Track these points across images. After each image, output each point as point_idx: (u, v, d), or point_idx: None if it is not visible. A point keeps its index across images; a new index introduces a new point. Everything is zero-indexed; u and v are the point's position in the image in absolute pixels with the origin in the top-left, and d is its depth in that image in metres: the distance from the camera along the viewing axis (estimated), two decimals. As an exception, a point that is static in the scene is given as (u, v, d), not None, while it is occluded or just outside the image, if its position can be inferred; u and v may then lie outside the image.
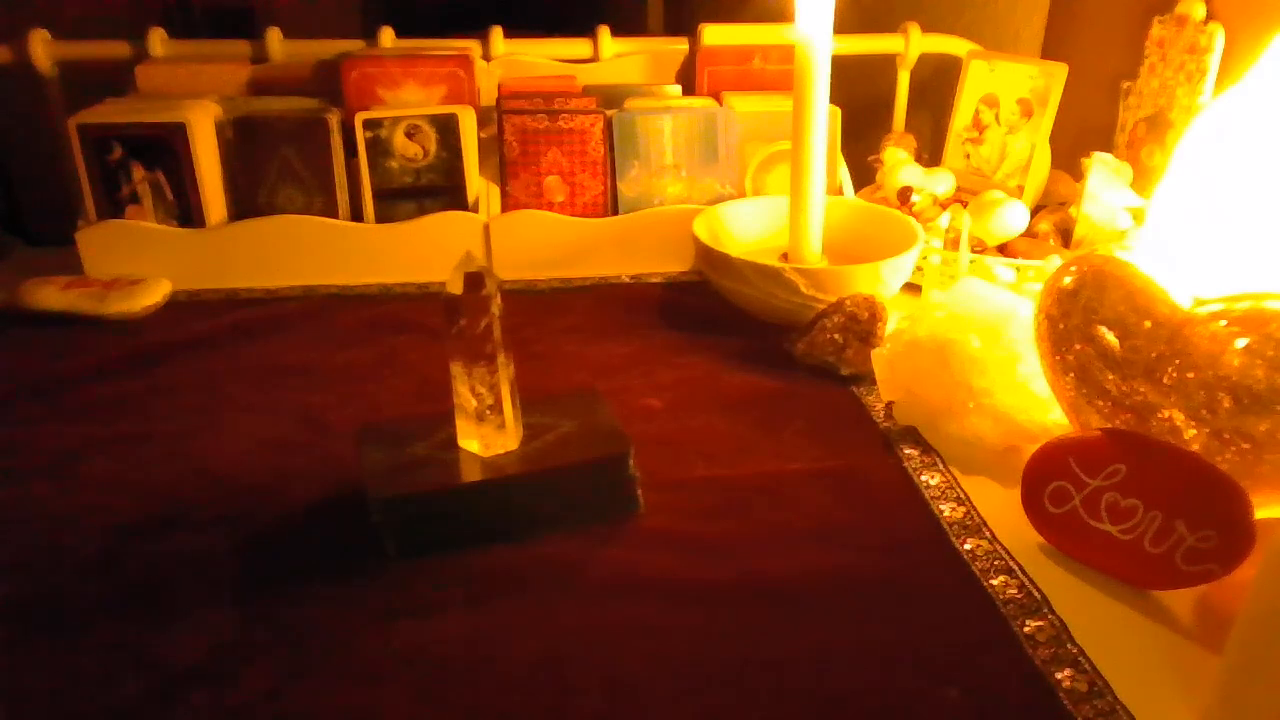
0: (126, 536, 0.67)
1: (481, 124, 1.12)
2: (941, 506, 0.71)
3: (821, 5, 0.89)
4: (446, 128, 1.07)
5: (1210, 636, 0.59)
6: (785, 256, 1.00)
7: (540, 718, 0.54)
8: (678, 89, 1.21)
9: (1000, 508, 0.70)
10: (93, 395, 0.85)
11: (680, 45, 1.25)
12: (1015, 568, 0.65)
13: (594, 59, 1.24)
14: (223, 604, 0.61)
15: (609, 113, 1.09)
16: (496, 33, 1.21)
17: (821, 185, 0.97)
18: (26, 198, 1.39)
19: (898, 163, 1.17)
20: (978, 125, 1.20)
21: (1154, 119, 1.09)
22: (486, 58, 1.21)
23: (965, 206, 1.07)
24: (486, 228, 1.09)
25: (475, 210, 1.10)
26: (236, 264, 1.07)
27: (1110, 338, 0.68)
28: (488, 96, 1.18)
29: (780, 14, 1.09)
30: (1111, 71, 1.17)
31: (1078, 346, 0.70)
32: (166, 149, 1.04)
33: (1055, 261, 0.93)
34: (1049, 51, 1.30)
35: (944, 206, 1.12)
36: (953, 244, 0.99)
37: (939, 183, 1.15)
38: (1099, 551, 0.63)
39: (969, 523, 0.69)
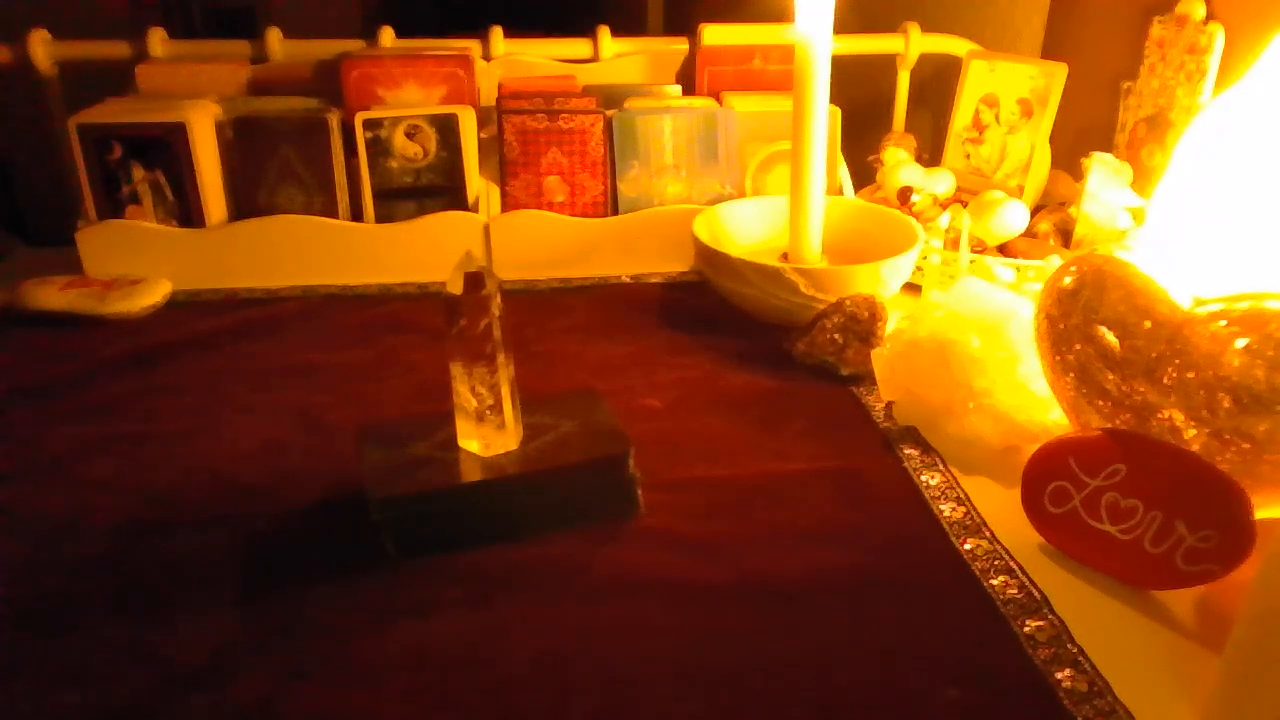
0: (126, 536, 0.67)
1: (481, 124, 1.12)
2: (941, 506, 0.71)
3: (821, 5, 0.89)
4: (446, 128, 1.07)
5: (1210, 636, 0.59)
6: (785, 256, 1.00)
7: (540, 718, 0.54)
8: (678, 89, 1.21)
9: (1000, 508, 0.70)
10: (93, 395, 0.85)
11: (680, 45, 1.25)
12: (1015, 568, 0.65)
13: (594, 59, 1.24)
14: (223, 604, 0.61)
15: (609, 113, 1.09)
16: (496, 33, 1.21)
17: (821, 185, 0.97)
18: (26, 198, 1.39)
19: (898, 163, 1.17)
20: (978, 125, 1.20)
21: (1154, 119, 1.09)
22: (486, 58, 1.21)
23: (965, 206, 1.07)
24: (486, 228, 1.09)
25: (475, 210, 1.10)
26: (236, 264, 1.07)
27: (1110, 338, 0.68)
28: (488, 96, 1.18)
29: (780, 14, 1.09)
30: (1111, 71, 1.17)
31: (1078, 346, 0.70)
32: (166, 149, 1.03)
33: (1055, 261, 0.93)
34: (1049, 51, 1.30)
35: (944, 206, 1.12)
36: (953, 244, 0.99)
37: (939, 183, 1.15)
38: (1099, 551, 0.63)
39: (969, 523, 0.69)
